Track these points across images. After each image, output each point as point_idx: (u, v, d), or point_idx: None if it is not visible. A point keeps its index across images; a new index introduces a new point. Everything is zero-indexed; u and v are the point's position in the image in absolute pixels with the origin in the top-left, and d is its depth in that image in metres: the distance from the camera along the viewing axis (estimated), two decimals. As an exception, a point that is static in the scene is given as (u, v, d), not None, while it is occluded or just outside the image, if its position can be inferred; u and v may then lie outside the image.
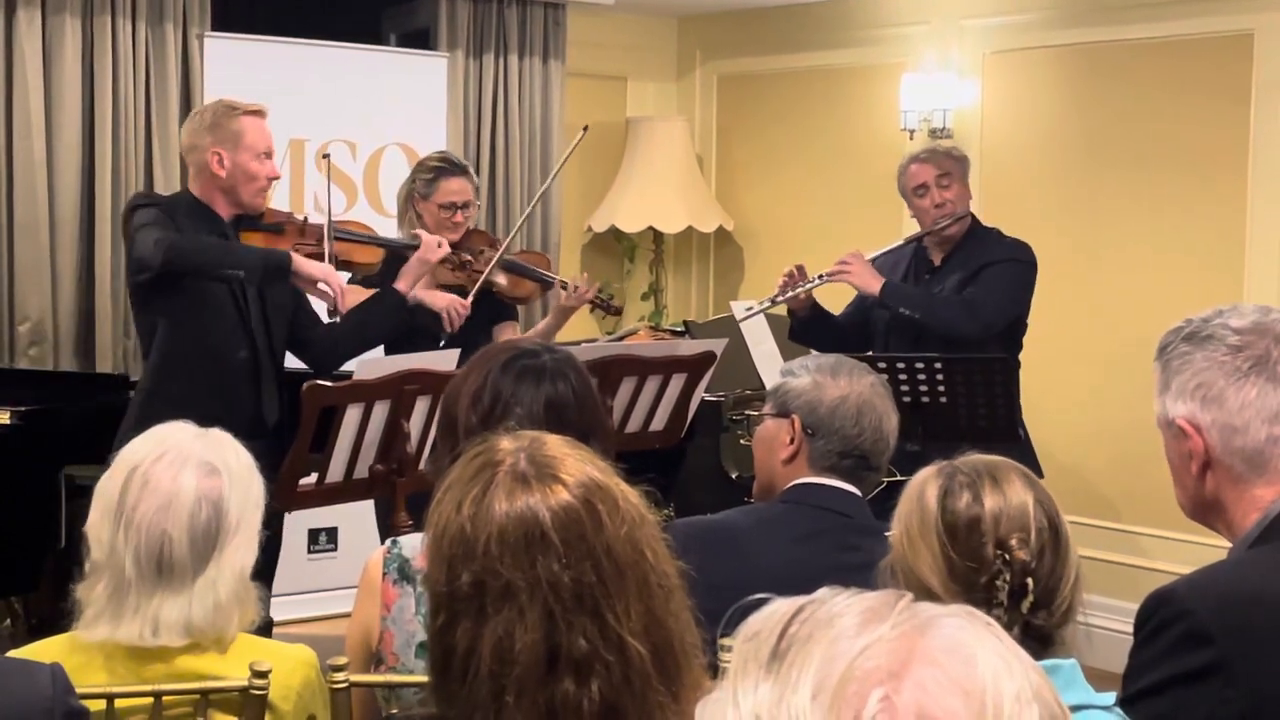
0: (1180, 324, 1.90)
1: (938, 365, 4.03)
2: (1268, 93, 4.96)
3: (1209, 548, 2.97)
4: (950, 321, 4.30)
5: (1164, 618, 1.73)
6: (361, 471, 3.63)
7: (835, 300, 4.64)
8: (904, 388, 3.98)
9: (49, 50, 5.13)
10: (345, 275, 4.01)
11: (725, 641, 1.50)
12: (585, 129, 4.51)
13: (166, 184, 5.22)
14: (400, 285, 4.04)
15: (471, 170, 4.45)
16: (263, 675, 2.00)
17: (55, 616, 2.67)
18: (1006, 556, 1.80)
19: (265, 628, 2.66)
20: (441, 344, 4.15)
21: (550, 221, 6.21)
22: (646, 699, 1.45)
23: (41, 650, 2.02)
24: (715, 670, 1.57)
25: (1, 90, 5.07)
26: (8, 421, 4.18)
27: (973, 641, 0.83)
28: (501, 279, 4.36)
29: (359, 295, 4.02)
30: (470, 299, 4.20)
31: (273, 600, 3.77)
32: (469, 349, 3.12)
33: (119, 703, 1.98)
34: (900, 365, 4.04)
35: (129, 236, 3.72)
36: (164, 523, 1.99)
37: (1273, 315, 1.87)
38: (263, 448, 2.34)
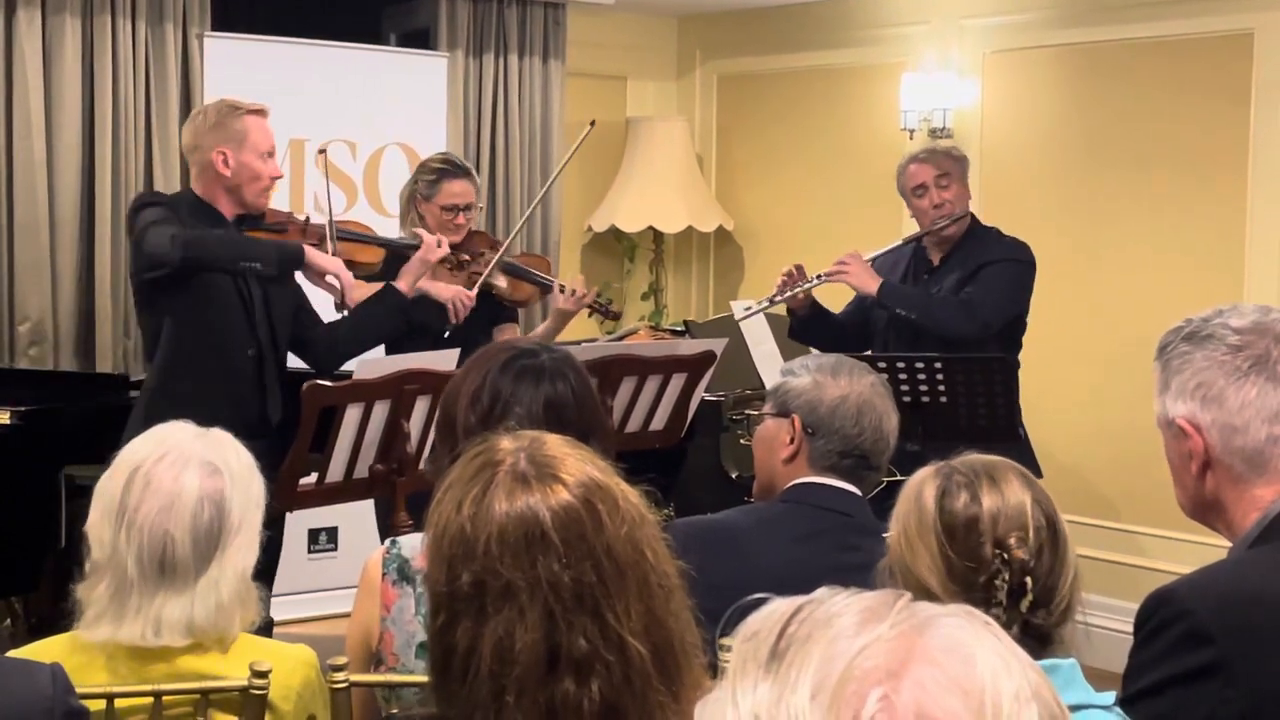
0: (1180, 324, 1.90)
1: (938, 365, 4.03)
2: (1268, 93, 4.96)
3: (1209, 548, 2.97)
4: (947, 322, 4.30)
5: (1164, 618, 1.73)
6: (361, 471, 3.63)
7: (836, 299, 4.64)
8: (904, 387, 3.98)
9: (49, 50, 5.13)
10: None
11: (725, 641, 1.50)
12: (592, 123, 4.50)
13: (166, 184, 5.22)
14: (400, 285, 4.05)
15: (474, 172, 4.46)
16: (263, 675, 2.00)
17: (55, 616, 2.67)
18: (1005, 556, 1.80)
19: (265, 628, 2.66)
20: (446, 334, 4.16)
21: (550, 221, 6.21)
22: (647, 699, 1.45)
23: (43, 650, 2.02)
24: (715, 670, 1.57)
25: (1, 90, 5.07)
26: (8, 421, 4.18)
27: (971, 641, 0.83)
28: (501, 281, 4.37)
29: (366, 290, 4.02)
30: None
31: (273, 600, 3.77)
32: (469, 350, 3.12)
33: (119, 702, 1.98)
34: (900, 365, 4.04)
35: (135, 235, 3.72)
36: (166, 523, 1.99)
37: (1273, 315, 1.87)
38: (263, 447, 2.34)
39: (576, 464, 1.51)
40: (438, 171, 4.34)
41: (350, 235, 4.17)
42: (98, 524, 2.02)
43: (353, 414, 3.53)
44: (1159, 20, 5.21)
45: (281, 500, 3.34)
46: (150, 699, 2.00)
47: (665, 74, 6.86)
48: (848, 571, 1.41)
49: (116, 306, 5.23)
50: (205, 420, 2.13)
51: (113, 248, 5.20)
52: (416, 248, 4.12)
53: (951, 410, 4.04)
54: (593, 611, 1.44)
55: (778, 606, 0.87)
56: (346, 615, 2.41)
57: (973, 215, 4.52)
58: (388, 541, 2.33)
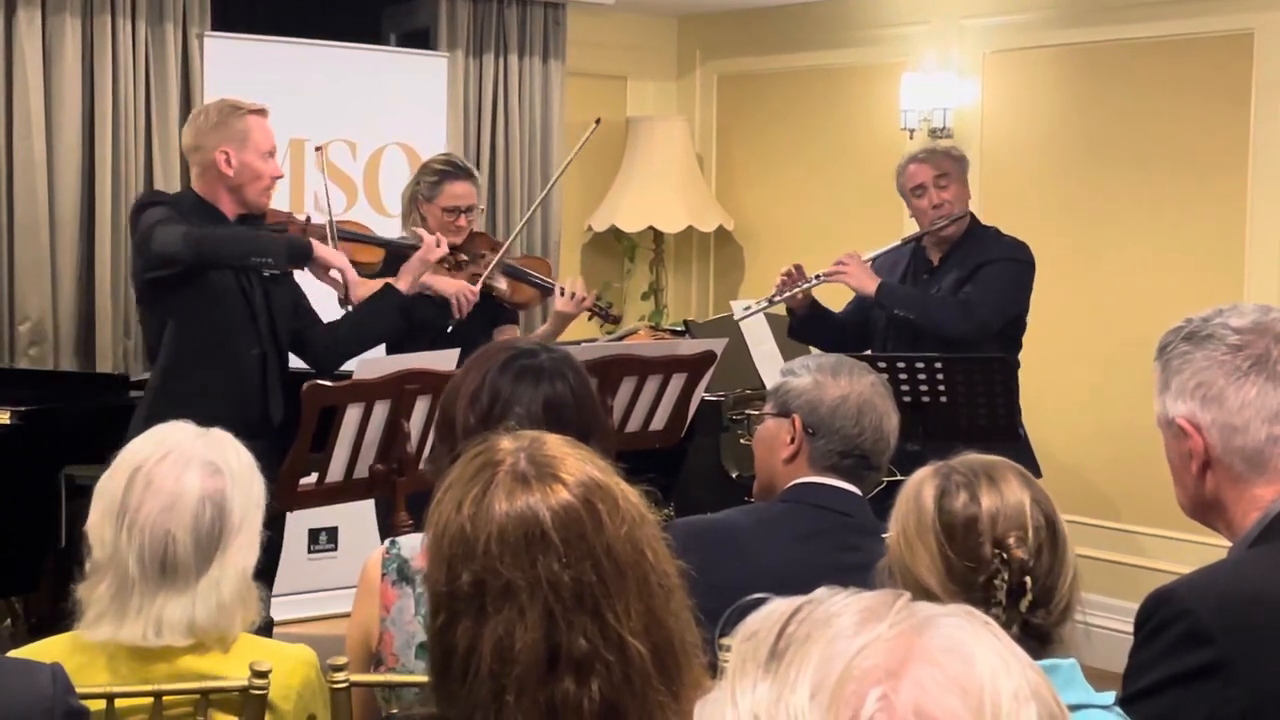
0: (1180, 324, 1.90)
1: (938, 365, 4.04)
2: (1268, 92, 4.96)
3: (1209, 547, 2.97)
4: (945, 322, 4.30)
5: (1164, 617, 1.73)
6: (361, 471, 3.63)
7: (836, 299, 4.64)
8: (904, 387, 3.98)
9: (49, 50, 5.13)
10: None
11: (725, 641, 1.50)
12: (598, 121, 4.49)
13: (166, 184, 5.22)
14: (400, 284, 4.05)
15: (476, 173, 4.46)
16: (263, 675, 2.00)
17: (55, 616, 2.67)
18: (1004, 555, 1.80)
19: (266, 628, 2.66)
20: (449, 329, 4.16)
21: (550, 221, 6.21)
22: (647, 698, 1.45)
23: (43, 650, 2.02)
24: (715, 670, 1.57)
25: (1, 90, 5.07)
26: (8, 421, 4.18)
27: (971, 640, 0.83)
28: (501, 283, 4.37)
29: (369, 287, 4.02)
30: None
31: (273, 600, 3.77)
32: (469, 351, 3.12)
33: (119, 702, 1.98)
34: (900, 365, 4.04)
35: (141, 235, 3.71)
36: (168, 523, 1.99)
37: (1273, 315, 1.87)
38: (264, 447, 2.34)
39: (576, 464, 1.51)
40: (440, 173, 4.34)
41: (350, 235, 4.17)
42: (98, 524, 2.02)
43: (353, 414, 3.53)
44: (1159, 20, 5.21)
45: (282, 500, 3.34)
46: (150, 699, 2.00)
47: (665, 74, 6.86)
48: (848, 571, 1.41)
49: (116, 306, 5.23)
50: (207, 420, 2.13)
51: (113, 248, 5.20)
52: (416, 248, 4.12)
53: (951, 410, 4.05)
54: (593, 611, 1.44)
55: (777, 606, 0.87)
56: (346, 615, 2.41)
57: (972, 215, 4.52)
58: (387, 542, 2.33)
